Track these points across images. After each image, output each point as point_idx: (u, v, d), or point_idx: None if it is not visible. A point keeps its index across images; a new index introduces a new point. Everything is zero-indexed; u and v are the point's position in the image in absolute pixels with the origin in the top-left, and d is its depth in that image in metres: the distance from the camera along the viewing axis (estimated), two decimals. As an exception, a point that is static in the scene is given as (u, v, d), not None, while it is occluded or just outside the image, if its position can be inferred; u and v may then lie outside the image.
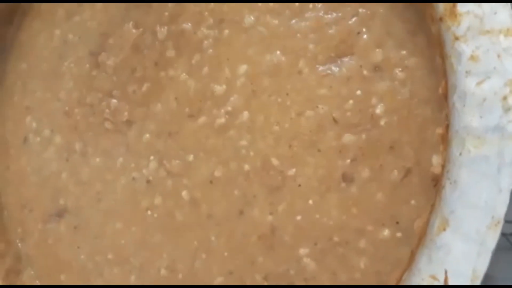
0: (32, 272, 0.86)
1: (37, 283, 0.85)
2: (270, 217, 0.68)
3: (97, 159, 0.80)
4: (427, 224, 0.57)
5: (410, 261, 0.59)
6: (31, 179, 0.86)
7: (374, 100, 0.63)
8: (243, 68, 0.70)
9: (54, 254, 0.83)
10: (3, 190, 0.89)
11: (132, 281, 0.76)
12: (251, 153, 0.69)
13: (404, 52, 0.63)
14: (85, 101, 0.82)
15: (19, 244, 0.87)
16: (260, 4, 0.70)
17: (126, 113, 0.77)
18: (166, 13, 0.76)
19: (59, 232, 0.83)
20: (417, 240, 0.58)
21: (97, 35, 0.82)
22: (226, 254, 0.70)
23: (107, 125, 0.79)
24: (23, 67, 0.88)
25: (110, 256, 0.79)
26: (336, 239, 0.65)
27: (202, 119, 0.72)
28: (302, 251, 0.66)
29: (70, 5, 0.85)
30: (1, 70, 0.90)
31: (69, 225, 0.82)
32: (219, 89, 0.71)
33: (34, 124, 0.86)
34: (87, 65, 0.82)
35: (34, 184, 0.86)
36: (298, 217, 0.66)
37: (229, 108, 0.70)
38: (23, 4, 0.87)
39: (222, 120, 0.70)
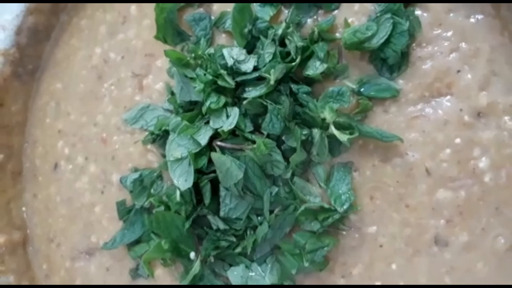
0: (57, 316, 0.78)
1: (62, 328, 0.77)
2: (342, 280, 0.59)
3: (138, 195, 0.71)
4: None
5: None
6: (61, 211, 0.78)
7: (477, 151, 0.55)
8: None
9: (82, 296, 0.75)
10: (30, 220, 0.81)
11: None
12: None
13: (515, 97, 0.54)
14: (126, 129, 0.73)
15: (44, 282, 0.78)
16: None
17: (174, 146, 0.68)
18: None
19: (88, 272, 0.75)
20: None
21: (142, 55, 0.74)
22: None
23: (151, 157, 0.71)
24: (58, 87, 0.81)
25: (148, 305, 0.71)
26: (423, 312, 0.56)
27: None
28: (381, 323, 0.57)
29: (113, 22, 0.77)
30: (33, 90, 0.82)
31: (100, 265, 0.74)
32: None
33: (66, 150, 0.78)
34: (130, 88, 0.74)
35: (63, 216, 0.78)
36: (377, 283, 0.58)
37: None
38: (62, 19, 0.80)
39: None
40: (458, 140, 0.56)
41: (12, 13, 0.77)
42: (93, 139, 0.76)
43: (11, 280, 0.76)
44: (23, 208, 0.82)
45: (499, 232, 0.54)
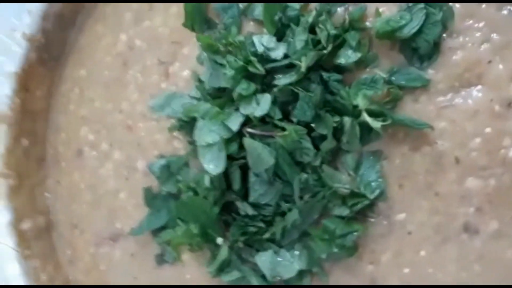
0: (80, 301, 0.79)
1: (86, 313, 0.78)
2: (370, 267, 0.60)
3: (164, 180, 0.72)
4: None
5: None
6: (84, 197, 0.79)
7: (507, 141, 0.56)
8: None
9: (106, 282, 0.76)
10: (53, 207, 0.82)
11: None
12: (348, 191, 0.61)
13: (548, 88, 0.55)
14: (152, 115, 0.74)
15: (68, 268, 0.79)
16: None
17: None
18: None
19: (113, 258, 0.76)
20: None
21: (168, 43, 0.74)
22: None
23: (177, 144, 0.71)
24: (82, 73, 0.81)
25: (173, 291, 0.71)
26: (452, 299, 0.57)
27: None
28: (408, 310, 0.58)
29: (139, 8, 0.77)
30: (57, 76, 0.82)
31: (125, 251, 0.75)
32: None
33: (90, 136, 0.79)
34: (156, 76, 0.74)
35: (87, 203, 0.78)
36: (406, 270, 0.59)
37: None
38: (88, 4, 0.80)
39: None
40: (488, 130, 0.56)
41: (39, -2, 0.78)
42: (118, 126, 0.76)
43: (36, 264, 0.78)
44: (46, 194, 0.83)
45: (529, 220, 0.55)
